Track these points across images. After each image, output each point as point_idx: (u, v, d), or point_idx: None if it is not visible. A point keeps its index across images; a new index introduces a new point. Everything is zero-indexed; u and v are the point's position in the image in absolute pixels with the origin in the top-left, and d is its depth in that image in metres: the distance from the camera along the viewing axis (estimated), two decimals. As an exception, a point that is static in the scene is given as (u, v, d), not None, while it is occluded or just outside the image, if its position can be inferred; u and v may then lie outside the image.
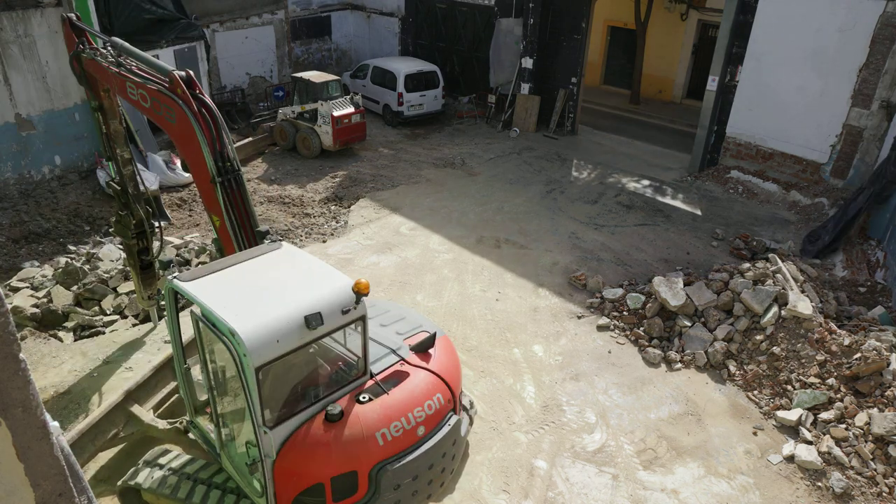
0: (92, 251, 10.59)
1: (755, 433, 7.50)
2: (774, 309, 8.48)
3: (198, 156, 5.76)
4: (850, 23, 12.26)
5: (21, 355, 1.78)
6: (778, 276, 9.04)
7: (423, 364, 5.57)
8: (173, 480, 5.45)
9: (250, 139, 16.00)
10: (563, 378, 8.33)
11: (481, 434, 7.32)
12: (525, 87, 18.09)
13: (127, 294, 9.42)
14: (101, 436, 6.29)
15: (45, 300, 9.21)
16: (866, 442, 6.92)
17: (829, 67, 12.73)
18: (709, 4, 19.73)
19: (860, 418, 7.11)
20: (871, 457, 6.79)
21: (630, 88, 21.43)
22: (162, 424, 6.34)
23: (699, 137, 15.19)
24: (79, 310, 9.09)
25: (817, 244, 11.34)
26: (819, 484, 6.77)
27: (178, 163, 13.79)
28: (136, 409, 6.54)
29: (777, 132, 13.84)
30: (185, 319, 5.31)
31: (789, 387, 7.86)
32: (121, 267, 9.91)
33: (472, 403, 6.91)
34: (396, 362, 5.54)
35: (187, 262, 10.43)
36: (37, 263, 10.42)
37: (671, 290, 9.14)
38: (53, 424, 1.95)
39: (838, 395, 7.48)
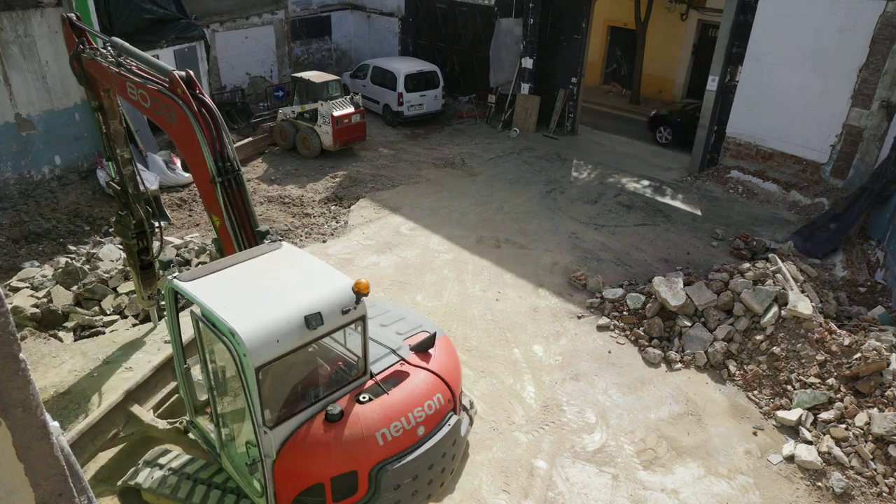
0: (92, 251, 10.59)
1: (755, 433, 7.50)
2: (774, 309, 8.48)
3: (198, 156, 5.76)
4: (850, 23, 12.26)
5: (21, 355, 1.78)
6: (778, 276, 9.05)
7: (423, 364, 5.57)
8: (173, 480, 5.45)
9: (250, 139, 16.00)
10: (563, 378, 8.33)
11: (481, 434, 7.32)
12: (525, 87, 18.09)
13: (127, 294, 9.42)
14: (101, 436, 6.29)
15: (45, 300, 9.21)
16: (866, 442, 6.92)
17: (829, 67, 12.73)
18: (709, 4, 19.73)
19: (860, 418, 7.11)
20: (871, 457, 6.79)
21: (629, 88, 21.44)
22: (162, 424, 6.33)
23: (699, 137, 15.19)
24: (79, 310, 9.09)
25: (811, 241, 11.32)
26: (819, 484, 6.77)
27: (178, 163, 13.79)
28: (136, 409, 6.54)
29: (777, 132, 13.84)
30: (185, 319, 5.31)
31: (789, 387, 7.86)
32: (121, 267, 9.91)
33: (472, 403, 6.91)
34: (396, 362, 5.54)
35: (187, 262, 10.43)
36: (37, 263, 10.42)
37: (671, 290, 9.14)
38: (53, 424, 1.95)
39: (838, 395, 7.48)
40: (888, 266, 10.33)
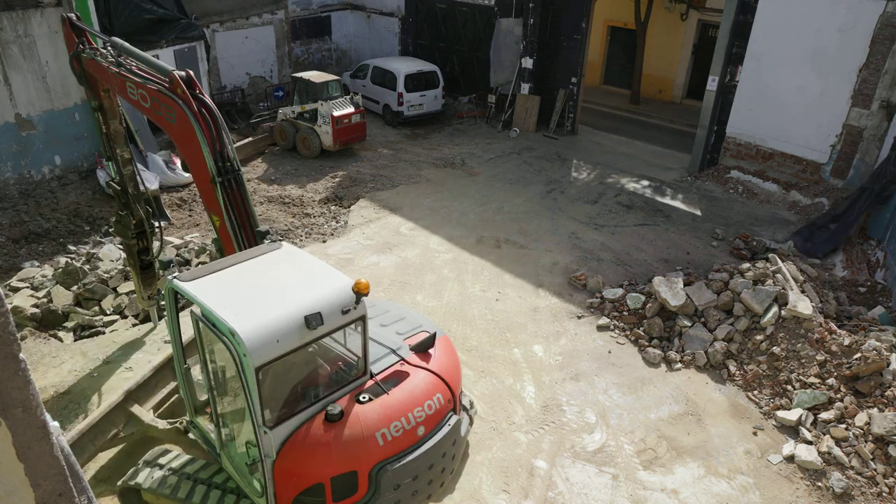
0: (92, 251, 10.59)
1: (755, 433, 7.50)
2: (774, 309, 8.48)
3: (198, 156, 5.76)
4: (850, 23, 12.26)
5: (21, 355, 1.77)
6: (778, 276, 9.04)
7: (423, 364, 5.57)
8: (173, 480, 5.45)
9: (250, 139, 16.00)
10: (563, 378, 8.33)
11: (481, 434, 7.32)
12: (525, 87, 18.09)
13: (127, 294, 9.42)
14: (101, 436, 6.29)
15: (45, 300, 9.21)
16: (866, 442, 6.92)
17: (829, 67, 12.73)
18: (709, 4, 19.73)
19: (860, 418, 7.11)
20: (871, 457, 6.79)
21: (630, 88, 21.43)
22: (162, 424, 6.33)
23: (699, 137, 15.19)
24: (79, 310, 9.09)
25: (811, 241, 11.32)
26: (819, 484, 6.77)
27: (178, 163, 13.79)
28: (136, 409, 6.54)
29: (777, 132, 13.84)
30: (185, 319, 5.31)
31: (789, 387, 7.86)
32: (121, 267, 9.91)
33: (472, 403, 6.91)
34: (396, 362, 5.54)
35: (187, 262, 10.43)
36: (37, 263, 10.42)
37: (671, 290, 9.14)
38: (53, 424, 1.95)
39: (838, 395, 7.48)
40: (888, 266, 10.33)
